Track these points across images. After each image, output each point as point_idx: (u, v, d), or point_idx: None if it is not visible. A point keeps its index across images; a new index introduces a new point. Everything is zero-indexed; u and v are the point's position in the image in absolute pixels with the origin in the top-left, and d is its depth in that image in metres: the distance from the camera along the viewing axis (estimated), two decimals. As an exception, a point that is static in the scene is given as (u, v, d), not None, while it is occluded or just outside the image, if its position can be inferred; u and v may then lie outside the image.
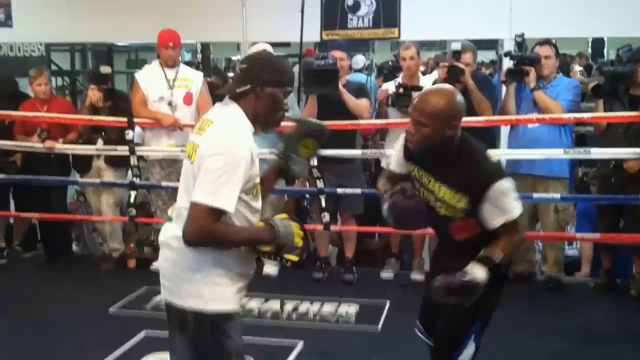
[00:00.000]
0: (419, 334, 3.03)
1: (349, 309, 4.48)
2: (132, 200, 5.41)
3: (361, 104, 5.08)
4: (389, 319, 4.42)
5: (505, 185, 2.57)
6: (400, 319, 4.38)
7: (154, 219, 5.54)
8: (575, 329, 4.23)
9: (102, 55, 9.92)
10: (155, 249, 5.84)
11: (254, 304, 4.51)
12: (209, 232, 2.19)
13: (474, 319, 2.71)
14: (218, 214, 2.18)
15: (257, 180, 2.34)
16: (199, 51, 9.50)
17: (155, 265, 5.45)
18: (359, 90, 5.23)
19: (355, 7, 6.60)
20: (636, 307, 4.62)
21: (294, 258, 2.36)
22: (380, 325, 4.32)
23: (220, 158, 2.18)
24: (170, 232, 2.36)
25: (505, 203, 2.57)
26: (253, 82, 2.31)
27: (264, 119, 2.37)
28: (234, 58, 9.79)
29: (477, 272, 2.53)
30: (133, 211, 5.42)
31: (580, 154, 4.92)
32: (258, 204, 2.38)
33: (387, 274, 5.28)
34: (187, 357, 2.38)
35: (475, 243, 2.63)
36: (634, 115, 4.54)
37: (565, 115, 4.76)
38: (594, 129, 5.19)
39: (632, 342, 4.06)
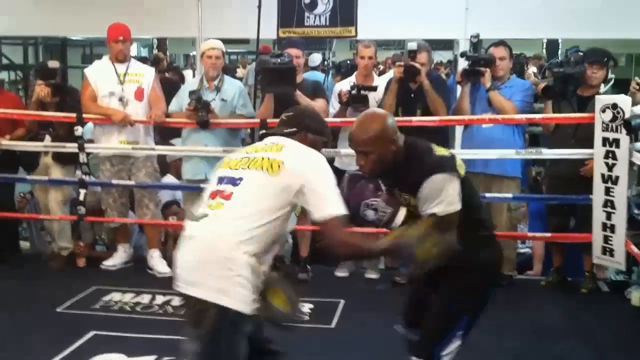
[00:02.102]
0: (399, 330, 3.05)
1: (303, 308, 4.45)
2: (81, 198, 5.29)
3: (317, 106, 5.04)
4: (342, 318, 4.41)
5: (437, 179, 2.62)
6: (354, 318, 4.41)
7: (104, 217, 5.43)
8: (527, 326, 4.27)
9: (56, 49, 9.72)
10: (107, 247, 5.74)
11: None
12: (345, 240, 2.45)
13: (460, 315, 2.78)
14: (342, 219, 2.44)
15: None
16: (154, 46, 9.40)
17: (105, 264, 5.36)
18: (315, 89, 5.20)
19: (312, 5, 6.59)
20: (587, 305, 4.69)
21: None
22: (333, 324, 4.32)
23: (321, 173, 2.46)
24: (208, 228, 2.43)
25: (431, 197, 2.62)
26: (299, 126, 2.61)
27: None
28: (191, 54, 9.74)
29: (402, 212, 2.72)
30: (82, 209, 5.31)
31: (531, 154, 4.97)
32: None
33: (341, 273, 5.27)
34: (199, 352, 2.41)
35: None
36: (584, 116, 4.60)
37: (517, 116, 4.81)
38: (542, 129, 5.26)
39: (583, 338, 4.11)
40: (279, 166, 2.42)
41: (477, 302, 2.83)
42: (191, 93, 5.10)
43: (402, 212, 2.71)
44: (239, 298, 2.37)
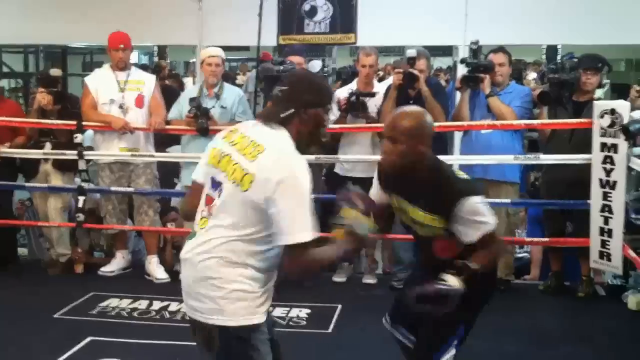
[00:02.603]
0: (388, 327, 3.08)
1: (300, 313, 4.48)
2: (80, 205, 5.30)
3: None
4: (340, 323, 4.42)
5: (474, 201, 2.65)
6: (351, 323, 4.41)
7: (103, 224, 5.44)
8: (526, 330, 4.27)
9: (56, 57, 9.76)
10: (106, 254, 5.74)
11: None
12: (308, 267, 2.28)
13: (458, 325, 2.81)
14: (308, 245, 2.20)
15: None
16: (155, 54, 9.44)
17: (103, 270, 5.37)
18: None
19: (312, 12, 6.62)
20: (584, 308, 4.69)
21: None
22: (331, 329, 4.32)
23: (289, 189, 2.19)
24: (196, 249, 2.34)
25: (478, 218, 2.65)
26: (296, 105, 2.33)
27: (307, 140, 2.39)
28: (191, 61, 9.76)
29: (452, 281, 2.58)
30: (81, 216, 5.32)
31: (530, 159, 4.98)
32: None
33: (339, 278, 5.27)
34: None
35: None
36: (583, 122, 4.60)
37: (516, 122, 4.82)
38: (538, 134, 5.26)
39: (581, 342, 4.11)
40: (250, 182, 2.23)
41: (474, 311, 2.86)
42: (191, 100, 5.12)
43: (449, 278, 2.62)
44: (239, 313, 2.29)
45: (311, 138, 2.41)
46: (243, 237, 2.27)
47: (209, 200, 2.37)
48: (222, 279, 2.28)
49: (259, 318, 2.33)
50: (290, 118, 2.32)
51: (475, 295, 2.77)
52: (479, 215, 2.65)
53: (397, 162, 2.70)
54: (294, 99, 2.34)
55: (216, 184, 2.35)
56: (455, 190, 2.66)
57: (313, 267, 2.33)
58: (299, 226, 2.19)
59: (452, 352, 2.81)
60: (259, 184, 2.21)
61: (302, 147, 2.38)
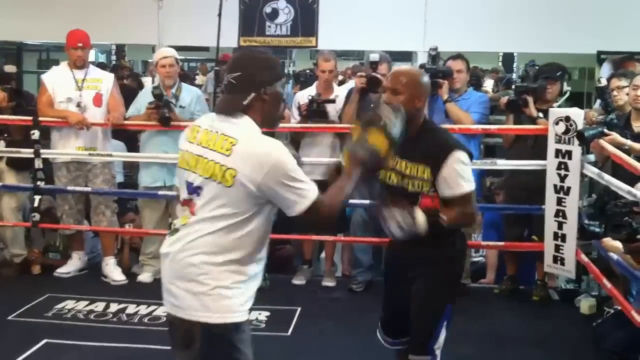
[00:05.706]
0: (385, 344, 3.10)
1: (260, 316, 4.46)
2: (35, 204, 5.22)
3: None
4: (299, 325, 4.42)
5: (462, 156, 2.78)
6: (310, 325, 4.43)
7: (60, 224, 5.35)
8: (481, 334, 4.33)
9: (11, 54, 9.58)
10: (62, 254, 5.64)
11: (162, 310, 4.41)
12: (328, 215, 2.30)
13: (444, 307, 2.87)
14: (318, 203, 2.24)
15: None
16: (113, 52, 9.34)
17: (59, 271, 5.28)
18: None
19: (274, 15, 6.65)
20: (538, 312, 4.78)
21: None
22: (290, 332, 4.33)
23: (277, 174, 2.19)
24: (176, 244, 2.31)
25: (460, 174, 2.75)
26: (255, 89, 2.29)
27: (271, 119, 2.39)
28: (149, 60, 9.65)
29: (419, 218, 2.67)
30: (37, 216, 5.23)
31: (486, 164, 5.07)
32: None
33: (298, 281, 5.28)
34: None
35: (440, 227, 2.74)
36: (539, 128, 4.70)
37: (474, 127, 4.90)
38: (502, 141, 5.37)
39: (535, 345, 4.19)
40: (233, 177, 2.20)
41: (457, 290, 2.96)
42: (155, 88, 5.09)
43: (418, 213, 2.68)
44: (224, 310, 2.25)
45: (274, 117, 2.41)
46: (225, 229, 2.24)
47: (186, 202, 2.33)
48: (206, 275, 2.24)
49: (242, 316, 2.29)
50: (252, 103, 2.29)
51: (453, 274, 2.92)
52: (463, 172, 2.76)
53: None
54: (250, 82, 2.29)
55: (195, 189, 2.30)
56: (450, 141, 2.84)
57: (333, 210, 2.32)
58: (300, 195, 2.21)
59: (444, 334, 2.89)
60: (244, 177, 2.19)
61: (269, 128, 2.39)
